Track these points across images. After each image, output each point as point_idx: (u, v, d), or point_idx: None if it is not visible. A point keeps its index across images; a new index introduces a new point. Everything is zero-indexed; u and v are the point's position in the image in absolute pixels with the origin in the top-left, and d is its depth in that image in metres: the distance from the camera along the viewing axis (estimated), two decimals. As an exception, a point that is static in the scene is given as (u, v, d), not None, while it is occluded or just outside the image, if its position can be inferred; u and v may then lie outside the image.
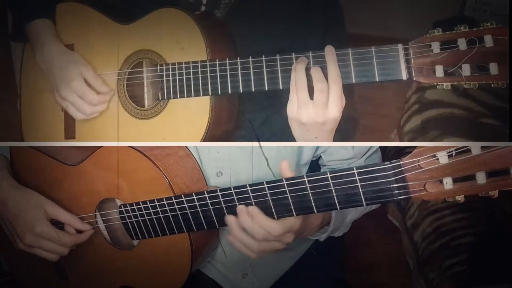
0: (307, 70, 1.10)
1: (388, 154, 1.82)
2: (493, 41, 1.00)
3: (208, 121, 1.19)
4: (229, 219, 1.10)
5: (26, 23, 1.31)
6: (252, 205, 1.08)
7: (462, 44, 1.02)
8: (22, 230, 1.20)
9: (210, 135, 1.20)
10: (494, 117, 1.71)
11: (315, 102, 1.08)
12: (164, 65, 1.22)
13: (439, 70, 1.04)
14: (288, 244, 1.11)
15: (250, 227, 1.08)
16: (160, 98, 1.23)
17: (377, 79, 1.08)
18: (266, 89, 1.14)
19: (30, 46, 1.32)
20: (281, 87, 1.13)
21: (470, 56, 1.01)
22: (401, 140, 1.86)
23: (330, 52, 1.09)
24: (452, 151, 0.92)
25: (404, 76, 1.06)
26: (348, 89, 1.11)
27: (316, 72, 1.09)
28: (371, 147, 1.31)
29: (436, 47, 1.03)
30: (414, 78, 1.06)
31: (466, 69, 1.02)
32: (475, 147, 0.91)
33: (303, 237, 1.19)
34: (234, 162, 1.25)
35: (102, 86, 1.26)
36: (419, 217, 1.80)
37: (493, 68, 1.01)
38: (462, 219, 1.70)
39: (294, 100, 1.10)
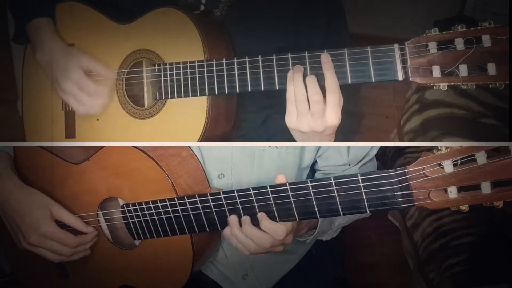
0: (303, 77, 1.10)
1: (388, 154, 1.83)
2: (491, 41, 0.99)
3: (205, 121, 1.19)
4: (232, 219, 1.10)
5: (26, 23, 1.31)
6: (255, 208, 1.08)
7: (459, 44, 1.01)
8: (27, 229, 1.20)
9: (208, 135, 1.20)
10: (494, 117, 1.71)
11: (312, 113, 1.08)
12: (162, 65, 1.22)
13: (436, 71, 1.03)
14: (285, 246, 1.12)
15: (255, 236, 1.09)
16: (158, 98, 1.23)
17: (373, 80, 1.08)
18: (263, 89, 1.14)
19: (31, 44, 1.33)
20: (277, 87, 1.13)
21: (468, 56, 1.00)
22: (401, 140, 1.86)
23: (326, 60, 1.08)
24: (457, 160, 0.92)
25: (400, 76, 1.06)
26: (352, 88, 1.12)
27: (311, 84, 1.08)
28: (366, 155, 1.31)
29: (433, 47, 1.03)
30: (411, 79, 1.05)
31: (463, 70, 1.01)
32: (481, 156, 0.91)
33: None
34: (236, 164, 1.25)
35: (107, 70, 1.26)
36: (419, 217, 1.80)
37: (491, 69, 1.00)
38: (462, 219, 1.70)
39: (292, 111, 1.10)
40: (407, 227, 1.85)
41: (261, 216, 1.08)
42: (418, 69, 1.04)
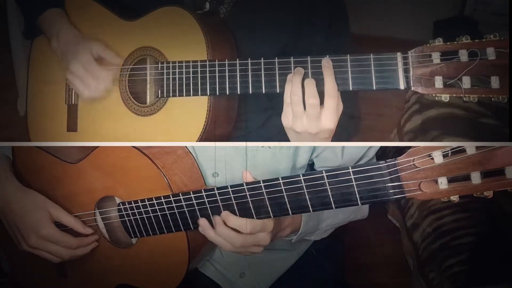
0: (303, 79, 1.09)
1: (388, 154, 1.83)
2: (496, 54, 0.98)
3: (205, 121, 1.19)
4: (201, 222, 1.12)
5: (39, 15, 1.31)
6: (249, 203, 1.08)
7: (463, 55, 0.99)
8: (26, 232, 1.20)
9: (208, 135, 1.20)
10: (494, 117, 1.71)
11: (307, 115, 1.08)
12: (165, 63, 1.22)
13: (439, 81, 1.01)
14: (266, 246, 1.13)
15: (226, 235, 1.10)
16: (159, 96, 1.23)
17: (374, 87, 1.07)
18: (264, 91, 1.14)
19: (45, 36, 1.32)
20: (278, 91, 1.12)
21: (471, 68, 0.99)
22: (401, 140, 1.86)
23: (327, 64, 1.07)
24: (447, 151, 0.92)
25: (402, 85, 1.05)
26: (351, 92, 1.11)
27: (309, 86, 1.08)
28: (364, 155, 1.30)
29: (436, 57, 1.01)
30: (412, 88, 1.04)
31: (466, 81, 0.99)
32: (470, 147, 0.90)
33: (277, 238, 1.19)
34: (230, 163, 1.26)
35: (114, 57, 1.25)
36: (419, 217, 1.80)
37: (494, 82, 0.98)
38: (462, 219, 1.70)
39: (288, 112, 1.10)
40: (407, 227, 1.85)
41: (225, 214, 1.10)
42: (421, 79, 1.03)
